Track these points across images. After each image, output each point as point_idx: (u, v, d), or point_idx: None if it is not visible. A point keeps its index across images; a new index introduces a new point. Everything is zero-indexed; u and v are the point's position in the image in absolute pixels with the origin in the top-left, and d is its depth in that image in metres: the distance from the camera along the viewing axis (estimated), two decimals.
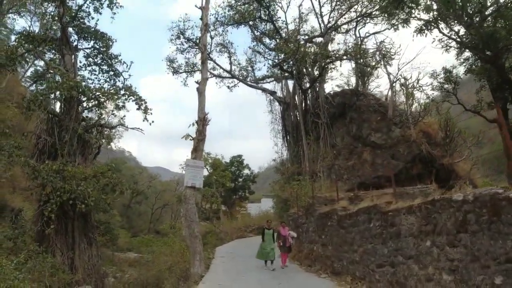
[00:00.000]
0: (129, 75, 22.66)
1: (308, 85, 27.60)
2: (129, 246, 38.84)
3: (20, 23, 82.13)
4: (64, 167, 16.59)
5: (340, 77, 55.96)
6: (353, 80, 29.43)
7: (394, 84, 24.88)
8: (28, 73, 35.78)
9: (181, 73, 32.33)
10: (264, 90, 31.95)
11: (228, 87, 33.04)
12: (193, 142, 13.02)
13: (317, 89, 27.51)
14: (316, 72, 26.81)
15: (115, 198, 18.33)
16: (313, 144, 25.55)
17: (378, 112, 24.69)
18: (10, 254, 14.27)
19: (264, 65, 41.44)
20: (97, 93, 18.45)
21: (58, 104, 19.91)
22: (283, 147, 31.03)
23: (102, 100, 18.82)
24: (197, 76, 31.68)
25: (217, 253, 19.27)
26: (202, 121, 12.93)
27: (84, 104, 19.46)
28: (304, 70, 27.73)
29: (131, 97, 18.50)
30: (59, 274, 14.55)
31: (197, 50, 29.74)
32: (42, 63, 26.70)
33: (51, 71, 20.07)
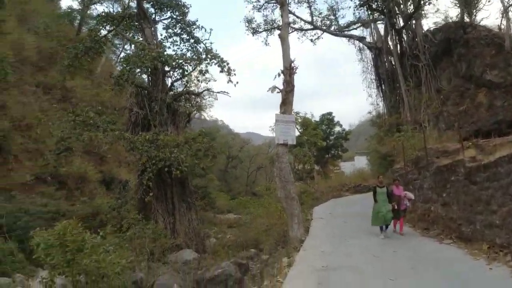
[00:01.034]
0: (211, 43, 22.02)
1: (402, 23, 23.90)
2: (229, 208, 39.79)
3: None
4: (157, 136, 16.53)
5: (436, 14, 48.87)
6: (453, 14, 24.77)
7: (508, 10, 20.19)
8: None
9: (260, 32, 30.67)
10: (351, 37, 28.76)
11: (311, 40, 30.46)
12: (281, 95, 11.47)
13: (413, 27, 23.71)
14: (410, 7, 23.00)
15: (208, 162, 17.92)
16: (413, 90, 22.31)
17: (492, 45, 20.40)
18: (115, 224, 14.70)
19: (349, 8, 37.18)
20: (180, 61, 17.97)
21: (145, 78, 19.95)
22: (378, 98, 28.05)
23: (185, 67, 18.40)
24: (277, 36, 29.64)
25: (315, 214, 17.95)
26: (289, 70, 11.26)
27: (169, 74, 19.19)
28: (396, 8, 24.03)
29: (213, 60, 17.71)
30: (160, 239, 14.65)
31: (274, 5, 27.62)
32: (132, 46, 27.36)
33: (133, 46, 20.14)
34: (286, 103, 11.34)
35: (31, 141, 23.72)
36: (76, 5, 38.01)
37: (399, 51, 24.17)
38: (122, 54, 36.22)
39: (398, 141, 16.09)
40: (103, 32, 19.50)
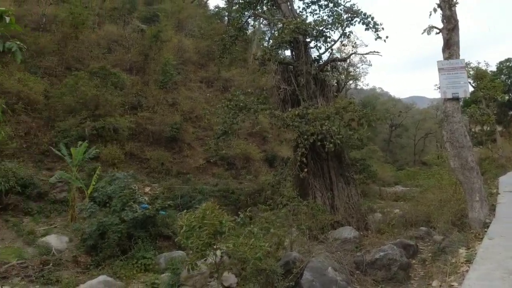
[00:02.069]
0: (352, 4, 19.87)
1: None
2: (396, 180, 36.74)
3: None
4: (306, 110, 15.75)
5: None
6: None
7: None
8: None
9: None
10: None
11: None
12: (442, 36, 8.87)
13: None
14: None
15: (364, 132, 16.15)
16: None
17: None
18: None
19: None
20: (320, 28, 16.60)
21: (289, 54, 19.33)
22: None
23: (327, 33, 16.95)
24: None
25: (501, 186, 13.86)
26: (447, 2, 8.59)
27: (312, 44, 18.05)
28: None
29: (355, 18, 15.71)
30: (318, 216, 13.86)
31: None
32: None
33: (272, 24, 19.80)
34: (450, 44, 8.67)
35: (200, 130, 26.33)
36: (222, 3, 40.46)
37: None
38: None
39: None
40: (244, 20, 19.84)
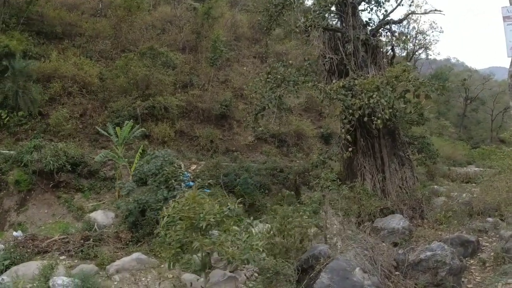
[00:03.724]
0: None
1: None
2: (469, 159, 32.36)
3: None
4: (353, 81, 13.57)
5: None
6: None
7: None
8: None
9: None
10: None
11: None
12: None
13: None
14: None
15: (420, 106, 13.50)
16: None
17: None
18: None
19: None
20: None
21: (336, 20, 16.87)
22: None
23: None
24: None
25: None
26: None
27: (361, 7, 15.52)
28: None
29: None
30: (364, 201, 11.90)
31: None
32: None
33: None
34: None
35: (251, 107, 25.04)
36: None
37: None
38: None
39: None
40: None
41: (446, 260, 6.74)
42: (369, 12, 16.34)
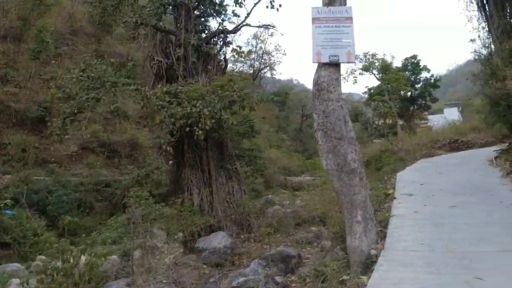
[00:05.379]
0: None
1: None
2: (303, 169, 35.23)
3: None
4: (180, 88, 12.03)
5: None
6: None
7: None
8: None
9: None
10: None
11: None
12: None
13: None
14: None
15: (246, 118, 12.84)
16: None
17: None
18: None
19: None
20: None
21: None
22: (480, 22, 19.59)
23: None
24: None
25: (399, 184, 10.41)
26: None
27: (197, 10, 14.35)
28: None
29: None
30: (187, 219, 10.44)
31: None
32: None
33: None
34: None
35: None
36: None
37: None
38: None
39: None
40: None
41: (259, 285, 5.66)
42: (205, 19, 15.28)
